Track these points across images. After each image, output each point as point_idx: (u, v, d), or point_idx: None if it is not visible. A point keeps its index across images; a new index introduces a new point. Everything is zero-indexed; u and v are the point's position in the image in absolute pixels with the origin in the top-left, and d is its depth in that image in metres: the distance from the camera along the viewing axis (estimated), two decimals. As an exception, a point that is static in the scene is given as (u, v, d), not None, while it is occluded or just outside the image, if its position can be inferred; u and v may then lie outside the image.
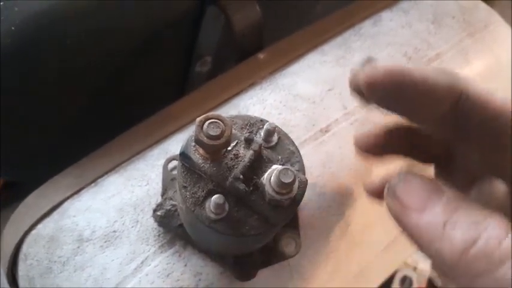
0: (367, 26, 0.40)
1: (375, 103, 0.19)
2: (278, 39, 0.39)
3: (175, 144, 0.32)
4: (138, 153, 0.32)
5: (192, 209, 0.21)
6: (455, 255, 0.15)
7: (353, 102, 0.35)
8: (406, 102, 0.18)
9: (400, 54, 0.39)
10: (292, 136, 0.25)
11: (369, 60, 0.20)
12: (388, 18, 0.41)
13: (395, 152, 0.25)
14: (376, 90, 0.18)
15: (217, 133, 0.20)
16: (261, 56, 0.38)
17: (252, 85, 0.36)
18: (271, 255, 0.28)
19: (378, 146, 0.25)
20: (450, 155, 0.23)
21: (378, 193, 0.26)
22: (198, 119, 0.21)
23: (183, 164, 0.22)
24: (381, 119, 0.24)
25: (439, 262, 0.16)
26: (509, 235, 0.15)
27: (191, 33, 0.42)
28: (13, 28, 0.29)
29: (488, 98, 0.18)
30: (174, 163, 0.30)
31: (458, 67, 0.40)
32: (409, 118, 0.20)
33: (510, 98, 0.18)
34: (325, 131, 0.33)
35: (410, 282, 0.93)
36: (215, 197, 0.21)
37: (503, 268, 0.14)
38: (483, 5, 0.44)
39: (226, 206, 0.21)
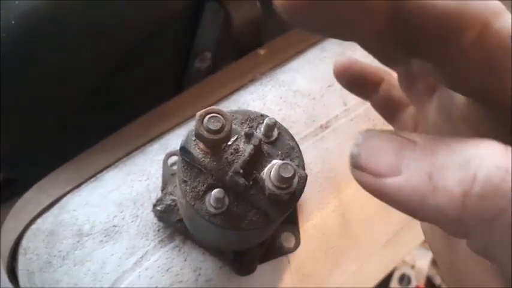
0: (367, 23, 0.40)
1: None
2: (278, 36, 0.39)
3: (174, 139, 0.32)
4: (137, 148, 0.32)
5: (192, 203, 0.21)
6: (457, 204, 0.13)
7: (353, 99, 0.35)
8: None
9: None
10: (292, 132, 0.25)
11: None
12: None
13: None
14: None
15: (218, 127, 0.20)
16: (261, 51, 0.38)
17: (252, 81, 0.36)
18: (270, 251, 0.29)
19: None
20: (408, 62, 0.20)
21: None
22: (198, 113, 0.21)
23: (183, 159, 0.22)
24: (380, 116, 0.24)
25: (442, 222, 0.14)
26: (509, 157, 0.12)
27: (190, 29, 0.42)
28: (13, 22, 0.29)
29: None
30: (174, 158, 0.30)
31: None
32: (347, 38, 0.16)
33: None
34: (325, 127, 0.33)
35: (409, 280, 0.93)
36: (215, 191, 0.21)
37: None
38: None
39: (226, 200, 0.21)
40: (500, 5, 0.14)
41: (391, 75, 0.22)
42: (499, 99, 0.15)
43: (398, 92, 0.22)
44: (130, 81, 0.40)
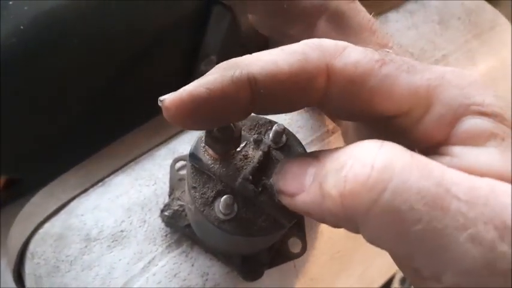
0: (373, 27, 0.40)
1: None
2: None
3: (182, 144, 0.32)
4: (145, 152, 0.32)
5: (202, 209, 0.21)
6: (338, 205, 0.14)
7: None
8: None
9: (407, 55, 0.39)
10: (299, 137, 0.25)
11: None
12: (394, 20, 0.41)
13: None
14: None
15: (227, 134, 0.21)
16: (267, 56, 0.38)
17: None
18: (277, 256, 0.29)
19: None
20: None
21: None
22: (208, 120, 0.21)
23: (192, 165, 0.22)
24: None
25: (340, 224, 0.15)
26: (378, 155, 0.13)
27: (196, 32, 0.42)
28: (22, 27, 0.29)
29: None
30: (181, 163, 0.30)
31: (464, 68, 0.40)
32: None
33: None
34: (331, 132, 0.33)
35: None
36: (225, 198, 0.21)
37: (386, 193, 0.13)
38: (489, 6, 0.44)
39: (235, 207, 0.22)
40: (337, 42, 0.17)
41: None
42: (368, 114, 0.17)
43: None
44: (138, 84, 0.41)
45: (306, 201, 0.16)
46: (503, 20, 0.43)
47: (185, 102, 0.16)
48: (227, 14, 0.40)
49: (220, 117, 0.17)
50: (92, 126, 0.41)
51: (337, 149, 0.16)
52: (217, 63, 0.50)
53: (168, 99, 0.16)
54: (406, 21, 0.41)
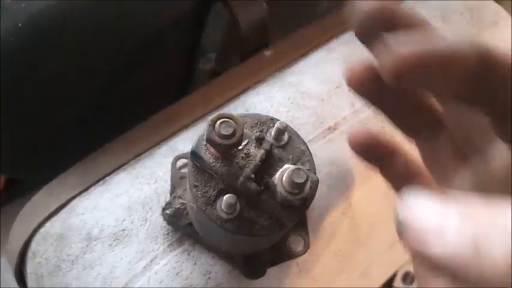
0: (374, 23, 0.40)
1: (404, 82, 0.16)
2: (284, 37, 0.39)
3: (182, 142, 0.32)
4: (145, 151, 0.32)
5: (204, 208, 0.21)
6: (503, 272, 0.12)
7: (361, 100, 0.35)
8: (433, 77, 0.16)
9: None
10: (301, 134, 0.25)
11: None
12: (396, 15, 0.41)
13: (384, 107, 0.21)
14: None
15: (229, 132, 0.20)
16: (267, 53, 0.38)
17: (258, 82, 0.35)
18: (280, 254, 0.28)
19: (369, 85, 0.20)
20: (439, 127, 0.20)
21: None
22: (210, 118, 0.21)
23: (194, 164, 0.22)
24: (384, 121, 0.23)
25: (484, 285, 0.13)
26: None
27: (195, 30, 0.42)
28: (20, 25, 0.28)
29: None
30: (182, 161, 0.30)
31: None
32: (433, 91, 0.18)
33: None
34: (333, 128, 0.33)
35: (412, 279, 0.93)
36: (227, 197, 0.21)
37: None
38: (491, 2, 0.43)
39: (238, 206, 0.21)
40: None
41: (405, 148, 0.22)
42: None
43: (414, 167, 0.22)
44: (137, 82, 0.40)
45: (445, 254, 0.13)
46: (505, 16, 0.43)
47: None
48: (226, 12, 0.39)
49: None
50: (92, 125, 0.41)
51: (488, 200, 0.13)
52: (216, 61, 0.49)
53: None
54: (407, 17, 0.40)
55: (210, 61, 0.45)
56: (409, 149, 0.21)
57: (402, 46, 0.15)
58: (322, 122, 0.33)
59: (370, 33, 0.16)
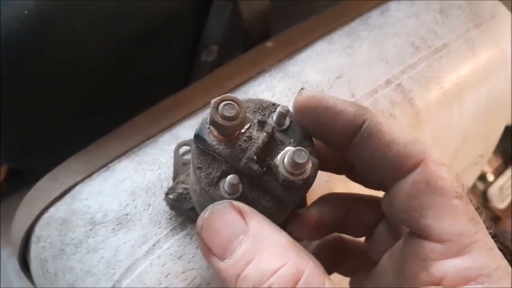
0: (374, 16, 0.41)
1: (304, 127, 0.23)
2: (286, 28, 0.40)
3: (185, 130, 0.33)
4: (148, 138, 0.32)
5: (207, 189, 0.22)
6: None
7: (361, 90, 0.36)
8: (320, 125, 0.21)
9: (407, 44, 0.39)
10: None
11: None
12: (396, 9, 0.41)
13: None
14: (301, 112, 0.22)
15: (232, 114, 0.21)
16: (269, 44, 0.38)
17: (260, 72, 0.36)
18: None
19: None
20: None
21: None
22: (213, 100, 0.21)
23: (197, 146, 0.22)
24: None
25: None
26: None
27: (198, 22, 0.42)
28: (26, 12, 0.29)
29: (385, 129, 0.20)
30: (185, 148, 0.31)
31: (464, 57, 0.40)
32: (323, 141, 0.23)
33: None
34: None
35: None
36: (230, 177, 0.21)
37: None
38: (489, -4, 0.44)
39: (240, 187, 0.22)
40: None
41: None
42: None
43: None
44: (139, 72, 0.41)
45: (222, 270, 0.18)
46: (503, 10, 0.43)
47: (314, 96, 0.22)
48: (228, 4, 0.40)
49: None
50: (94, 114, 0.41)
51: (270, 248, 0.19)
52: (219, 53, 0.50)
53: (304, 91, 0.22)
54: (407, 10, 0.41)
55: (212, 53, 0.46)
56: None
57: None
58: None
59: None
